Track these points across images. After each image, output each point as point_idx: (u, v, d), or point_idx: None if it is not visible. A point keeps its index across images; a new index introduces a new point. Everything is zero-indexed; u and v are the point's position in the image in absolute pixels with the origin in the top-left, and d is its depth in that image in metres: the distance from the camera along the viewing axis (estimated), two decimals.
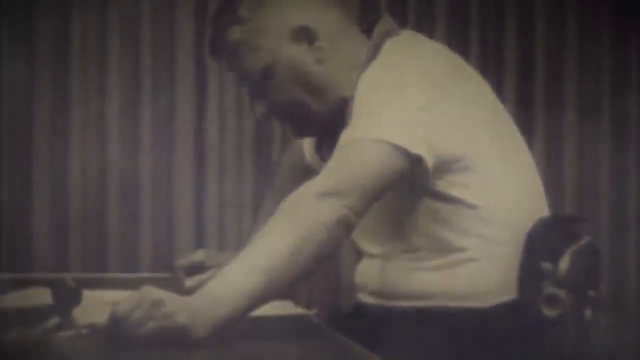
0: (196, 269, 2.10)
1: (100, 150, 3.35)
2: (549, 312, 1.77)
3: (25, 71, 3.29)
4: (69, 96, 3.30)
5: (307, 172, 1.93)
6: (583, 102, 3.58)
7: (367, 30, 1.92)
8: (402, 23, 1.98)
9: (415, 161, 1.74)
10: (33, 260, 3.28)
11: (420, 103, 1.76)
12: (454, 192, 1.81)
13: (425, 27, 3.34)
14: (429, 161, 1.75)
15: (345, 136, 1.75)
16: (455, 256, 1.83)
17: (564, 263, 1.78)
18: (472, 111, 1.82)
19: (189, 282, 2.03)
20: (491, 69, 3.49)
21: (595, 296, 1.83)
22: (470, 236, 1.82)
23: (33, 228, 3.30)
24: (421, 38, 1.94)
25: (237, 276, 1.58)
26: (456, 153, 1.79)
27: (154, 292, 1.51)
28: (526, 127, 3.33)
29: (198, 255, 2.14)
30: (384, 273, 1.90)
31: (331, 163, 1.73)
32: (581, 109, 3.57)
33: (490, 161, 1.83)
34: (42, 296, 1.77)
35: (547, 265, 1.78)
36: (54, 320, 1.54)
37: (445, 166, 1.79)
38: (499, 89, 3.38)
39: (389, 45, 1.87)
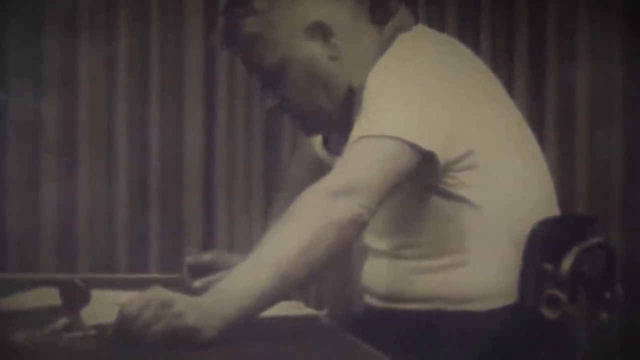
0: (206, 270, 2.08)
1: (106, 153, 3.35)
2: (549, 313, 1.74)
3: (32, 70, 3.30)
4: (77, 115, 3.32)
5: (318, 168, 1.92)
6: (595, 99, 3.56)
7: (381, 23, 1.90)
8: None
9: (427, 158, 1.72)
10: (41, 261, 3.28)
11: (430, 99, 1.74)
12: (459, 190, 1.79)
13: (435, 24, 3.32)
14: (440, 158, 1.73)
15: (356, 132, 1.73)
16: (456, 257, 1.81)
17: (567, 264, 1.75)
18: (482, 108, 1.81)
19: (197, 283, 2.01)
20: (501, 63, 3.48)
21: (610, 298, 1.80)
22: (472, 237, 1.80)
23: (40, 228, 3.30)
24: (434, 33, 1.93)
25: (247, 276, 1.57)
26: (464, 150, 1.77)
27: (163, 292, 1.50)
28: (537, 123, 3.34)
29: (208, 256, 2.13)
30: (387, 275, 1.89)
31: (343, 161, 1.71)
32: (593, 105, 3.56)
33: (497, 160, 1.81)
34: (50, 297, 1.76)
35: (548, 266, 1.76)
36: (62, 321, 1.54)
37: (452, 164, 1.77)
38: (509, 84, 3.37)
39: (400, 40, 1.86)
